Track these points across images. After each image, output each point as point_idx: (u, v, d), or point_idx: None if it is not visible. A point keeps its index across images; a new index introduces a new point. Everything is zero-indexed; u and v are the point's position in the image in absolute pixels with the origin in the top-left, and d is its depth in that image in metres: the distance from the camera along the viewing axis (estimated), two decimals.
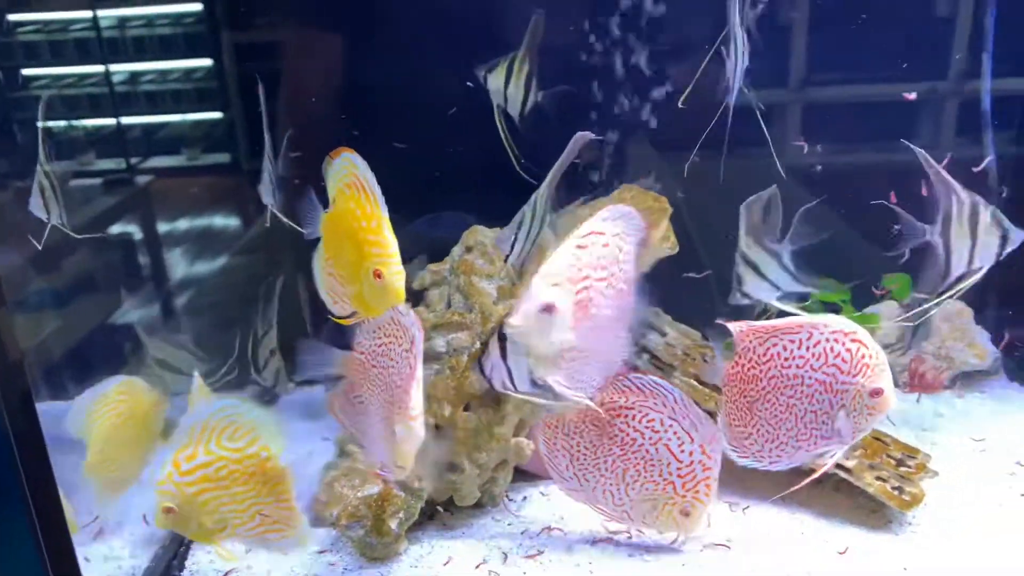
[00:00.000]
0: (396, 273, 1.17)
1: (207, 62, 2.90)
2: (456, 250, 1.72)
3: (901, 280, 1.98)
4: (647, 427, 1.45)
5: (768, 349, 1.41)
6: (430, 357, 1.59)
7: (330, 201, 1.26)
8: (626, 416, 1.45)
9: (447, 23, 2.11)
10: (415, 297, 1.73)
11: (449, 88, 2.08)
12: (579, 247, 1.27)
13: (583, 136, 1.52)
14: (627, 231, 1.32)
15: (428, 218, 2.14)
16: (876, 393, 1.36)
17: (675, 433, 1.44)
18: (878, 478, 1.61)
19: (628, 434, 1.46)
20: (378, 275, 1.16)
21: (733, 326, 1.45)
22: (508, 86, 1.80)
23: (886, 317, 1.96)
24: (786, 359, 1.40)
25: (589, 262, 1.27)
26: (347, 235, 1.20)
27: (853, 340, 1.37)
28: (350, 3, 2.26)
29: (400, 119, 2.15)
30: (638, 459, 1.46)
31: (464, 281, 1.64)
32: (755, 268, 1.62)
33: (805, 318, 1.43)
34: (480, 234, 1.72)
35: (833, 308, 1.99)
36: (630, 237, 1.33)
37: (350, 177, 1.22)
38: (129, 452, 1.64)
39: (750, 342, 1.43)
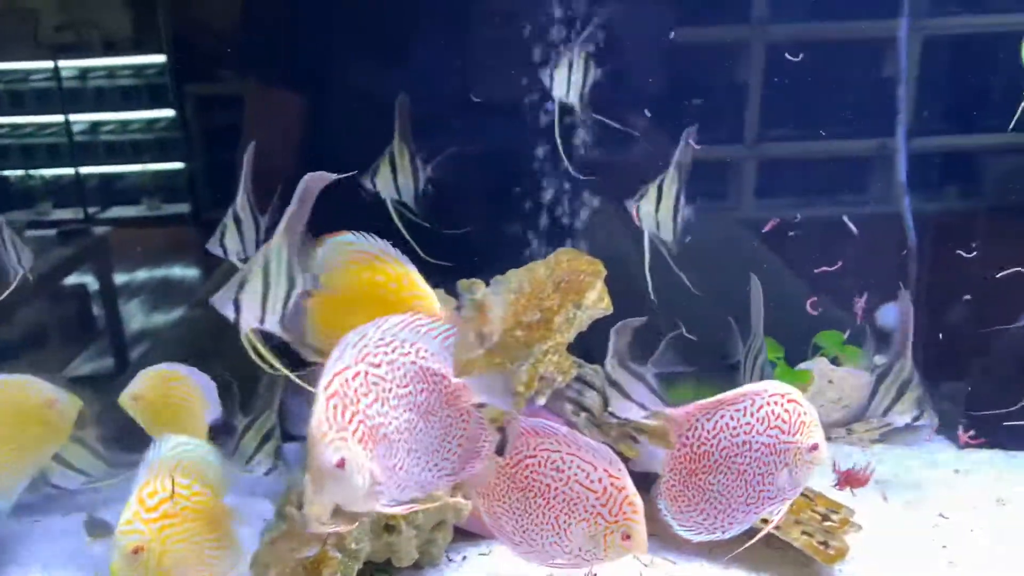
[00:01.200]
0: None
1: (169, 113, 2.94)
2: None
3: (833, 337, 2.06)
4: (552, 470, 1.46)
5: (716, 423, 1.49)
6: None
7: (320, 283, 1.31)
8: (532, 466, 1.46)
9: (405, 79, 2.19)
10: None
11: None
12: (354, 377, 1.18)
13: (317, 178, 1.39)
14: (419, 339, 1.26)
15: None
16: (813, 448, 1.46)
17: (578, 467, 1.45)
18: (804, 532, 1.67)
19: (541, 482, 1.47)
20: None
21: (675, 412, 1.51)
22: (398, 178, 1.87)
23: (818, 374, 2.04)
24: (734, 428, 1.48)
25: (374, 388, 1.20)
26: (375, 305, 1.27)
27: (790, 401, 1.46)
28: (310, 58, 2.31)
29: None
30: (560, 503, 1.47)
31: None
32: (620, 389, 1.69)
33: (744, 387, 1.51)
34: None
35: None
36: (428, 342, 1.27)
37: (356, 252, 1.28)
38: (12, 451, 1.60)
39: (696, 420, 1.50)
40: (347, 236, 1.34)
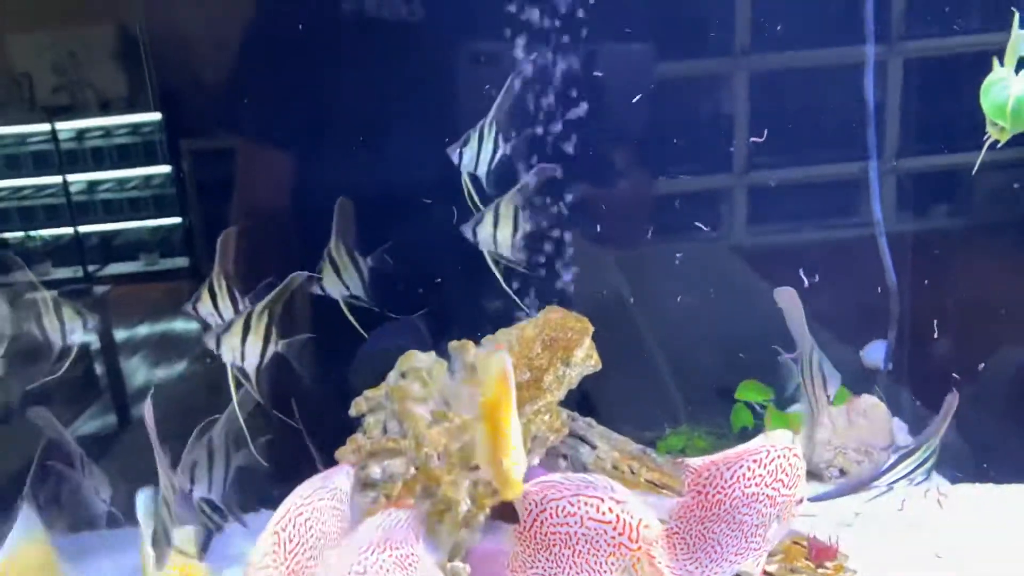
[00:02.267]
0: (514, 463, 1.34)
1: (165, 169, 2.99)
2: (391, 375, 1.79)
3: (754, 387, 2.09)
4: (566, 516, 1.44)
5: (734, 472, 1.46)
6: (367, 485, 1.65)
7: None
8: (547, 521, 1.45)
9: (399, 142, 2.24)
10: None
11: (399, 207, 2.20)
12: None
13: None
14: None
15: (379, 331, 2.21)
16: (800, 501, 1.48)
17: (586, 503, 1.43)
18: None
19: (561, 532, 1.45)
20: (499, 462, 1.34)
21: (694, 462, 1.48)
22: (342, 275, 1.93)
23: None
24: (749, 479, 1.46)
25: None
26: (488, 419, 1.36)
27: (795, 455, 1.46)
28: (301, 116, 2.36)
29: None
30: (584, 546, 1.45)
31: (399, 407, 1.72)
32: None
33: (758, 439, 1.48)
34: (415, 359, 1.80)
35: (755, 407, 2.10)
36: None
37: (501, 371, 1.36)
38: None
39: (718, 470, 1.47)
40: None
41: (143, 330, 2.99)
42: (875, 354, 2.11)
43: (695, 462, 1.48)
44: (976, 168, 1.72)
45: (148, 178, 3.09)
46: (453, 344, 1.82)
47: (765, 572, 1.68)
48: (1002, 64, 1.66)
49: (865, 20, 2.22)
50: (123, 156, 2.96)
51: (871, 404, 2.08)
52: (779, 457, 1.46)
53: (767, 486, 1.45)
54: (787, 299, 1.74)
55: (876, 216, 2.12)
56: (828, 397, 1.78)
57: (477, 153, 1.94)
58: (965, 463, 2.04)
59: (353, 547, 1.28)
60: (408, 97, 2.27)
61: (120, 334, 2.94)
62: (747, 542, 1.49)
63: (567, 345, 1.79)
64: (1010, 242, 2.21)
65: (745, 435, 2.15)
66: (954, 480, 2.10)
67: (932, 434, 1.84)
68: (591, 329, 1.84)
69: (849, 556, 1.76)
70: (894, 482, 1.86)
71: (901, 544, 1.93)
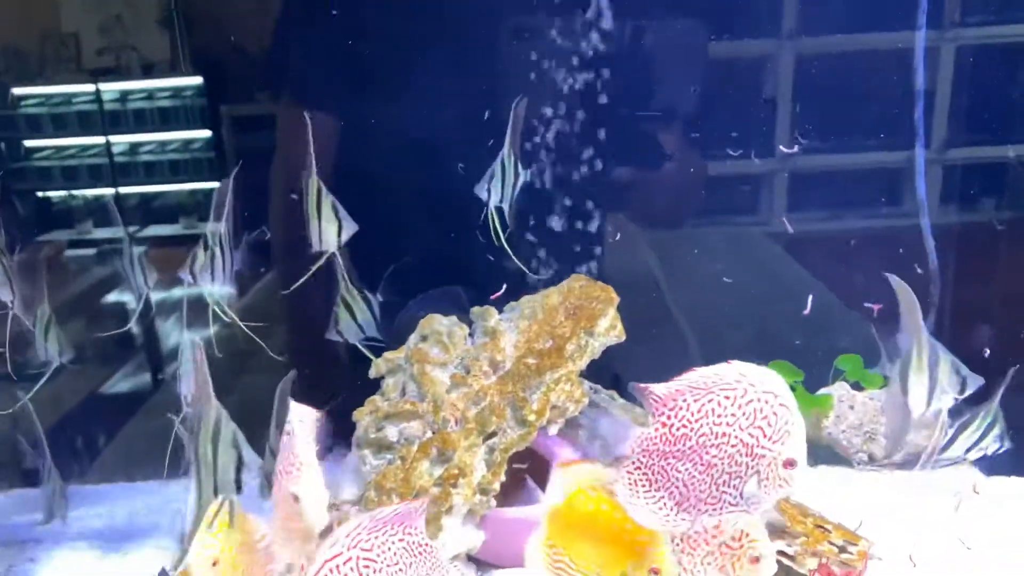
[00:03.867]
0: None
1: (206, 133, 3.02)
2: (412, 338, 1.78)
3: (853, 361, 2.03)
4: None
5: (703, 405, 1.35)
6: (382, 447, 1.64)
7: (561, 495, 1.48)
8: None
9: (447, 103, 2.21)
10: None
11: (441, 171, 2.18)
12: None
13: None
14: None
15: (421, 298, 2.20)
16: (790, 464, 1.35)
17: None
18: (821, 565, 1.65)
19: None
20: (655, 571, 1.40)
21: (659, 389, 1.38)
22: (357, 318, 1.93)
23: (839, 398, 2.01)
24: (719, 415, 1.35)
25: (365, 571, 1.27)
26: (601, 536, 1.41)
27: (781, 404, 1.34)
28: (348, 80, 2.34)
29: (392, 200, 2.24)
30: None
31: (417, 370, 1.71)
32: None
33: (735, 371, 1.36)
34: (436, 322, 1.79)
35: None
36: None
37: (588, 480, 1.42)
38: None
39: (684, 400, 1.36)
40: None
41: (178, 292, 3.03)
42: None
43: (660, 388, 1.37)
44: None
45: (188, 142, 3.12)
46: (475, 309, 1.81)
47: (782, 554, 1.64)
48: None
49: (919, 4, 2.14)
50: (164, 119, 2.99)
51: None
52: (757, 400, 1.33)
53: (741, 429, 1.33)
54: (903, 291, 1.64)
55: (921, 196, 2.05)
56: (955, 397, 1.69)
57: (502, 186, 1.94)
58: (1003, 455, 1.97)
59: (364, 525, 1.27)
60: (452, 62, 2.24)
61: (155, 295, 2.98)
62: (717, 490, 1.37)
63: (591, 315, 1.76)
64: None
65: None
66: (989, 472, 2.03)
67: (991, 404, 1.74)
68: (616, 299, 1.80)
69: (874, 543, 1.71)
70: (967, 451, 1.76)
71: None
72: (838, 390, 2.03)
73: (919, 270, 2.04)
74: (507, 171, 1.93)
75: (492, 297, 1.82)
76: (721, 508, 1.39)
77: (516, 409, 1.65)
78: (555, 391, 1.68)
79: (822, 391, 2.04)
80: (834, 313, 2.24)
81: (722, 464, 1.36)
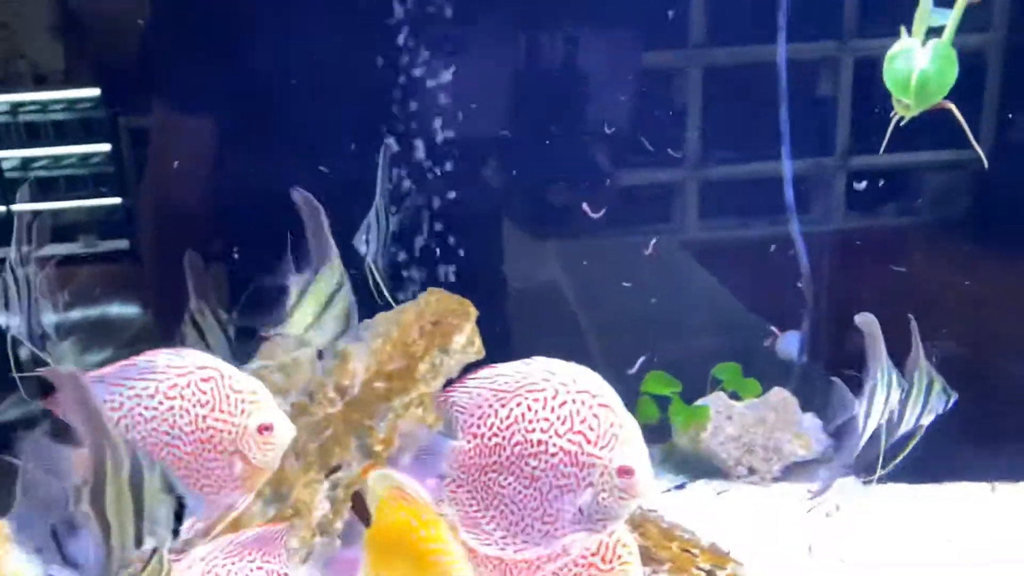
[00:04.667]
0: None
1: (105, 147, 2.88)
2: (252, 364, 1.69)
3: (731, 370, 1.97)
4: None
5: (511, 411, 1.21)
6: None
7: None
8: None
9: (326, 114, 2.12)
10: None
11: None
12: None
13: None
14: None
15: None
16: (625, 472, 1.18)
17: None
18: None
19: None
20: None
21: (460, 397, 1.24)
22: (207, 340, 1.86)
23: (716, 408, 1.95)
24: (530, 420, 1.20)
25: None
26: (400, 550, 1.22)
27: (601, 405, 1.18)
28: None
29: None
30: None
31: None
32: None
33: (540, 370, 1.21)
34: (279, 345, 1.69)
35: (664, 400, 1.99)
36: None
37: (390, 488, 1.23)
38: None
39: (490, 406, 1.23)
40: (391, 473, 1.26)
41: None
42: (789, 345, 1.99)
43: (461, 396, 1.23)
44: (883, 148, 1.60)
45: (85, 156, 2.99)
46: None
47: None
48: (910, 34, 1.52)
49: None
50: (59, 132, 2.86)
51: (781, 398, 1.96)
52: (572, 402, 1.18)
53: (558, 435, 1.18)
54: (870, 326, 1.60)
55: (788, 202, 1.99)
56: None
57: (377, 238, 1.92)
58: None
59: (222, 548, 1.18)
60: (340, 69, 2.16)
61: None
62: (551, 507, 1.22)
63: (446, 331, 1.68)
64: (927, 236, 2.10)
65: (648, 431, 2.04)
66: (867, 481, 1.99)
67: (915, 363, 1.70)
68: (474, 313, 1.72)
69: (744, 564, 1.65)
70: (918, 419, 1.71)
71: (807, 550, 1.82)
72: (715, 401, 1.96)
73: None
74: (380, 223, 1.91)
75: None
76: (563, 527, 1.23)
77: (361, 439, 1.56)
78: (406, 416, 1.60)
79: (699, 402, 1.97)
80: (737, 317, 2.19)
81: (547, 477, 1.21)
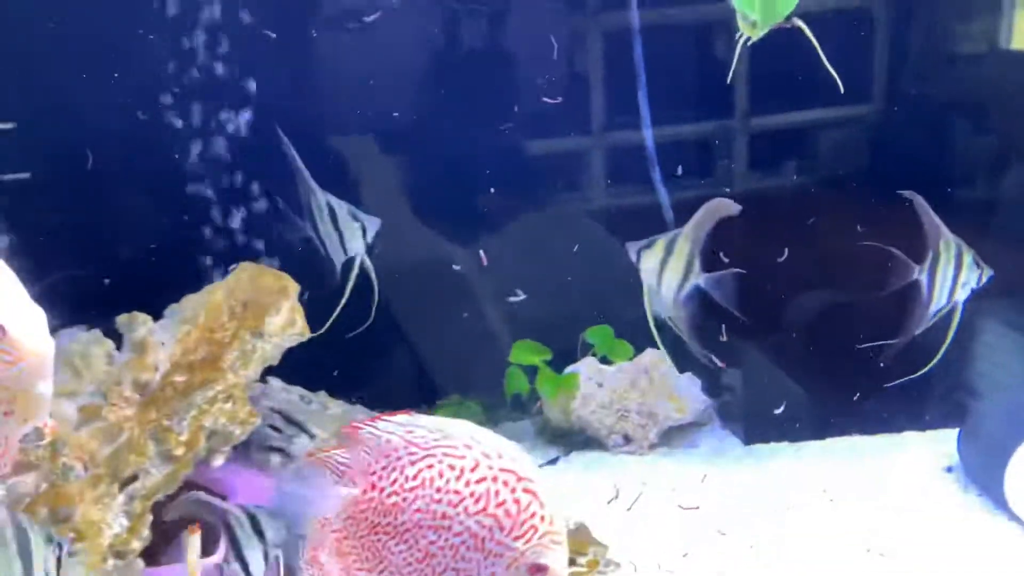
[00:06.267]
0: None
1: None
2: None
3: (603, 332, 1.81)
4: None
5: (420, 471, 1.05)
6: None
7: None
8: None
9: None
10: None
11: None
12: None
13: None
14: None
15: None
16: (538, 571, 1.01)
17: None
18: None
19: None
20: None
21: (374, 433, 1.06)
22: None
23: (587, 375, 1.78)
24: (439, 489, 1.04)
25: None
26: None
27: (525, 490, 1.00)
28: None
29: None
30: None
31: None
32: None
33: (466, 434, 1.04)
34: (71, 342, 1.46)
35: (532, 369, 1.82)
36: None
37: None
38: None
39: (399, 458, 1.06)
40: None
41: None
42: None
43: (373, 435, 1.05)
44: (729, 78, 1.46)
45: None
46: (121, 318, 1.48)
47: None
48: None
49: None
50: None
51: (655, 360, 1.80)
52: (493, 480, 1.00)
53: (468, 514, 1.01)
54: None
55: (650, 153, 1.82)
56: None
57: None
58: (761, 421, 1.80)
59: None
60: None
61: None
62: None
63: (259, 312, 1.46)
64: (801, 195, 1.94)
65: (519, 402, 1.87)
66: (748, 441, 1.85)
67: (937, 234, 1.68)
68: (293, 288, 1.51)
69: (609, 547, 1.48)
70: (950, 294, 1.69)
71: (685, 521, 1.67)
72: (585, 367, 1.79)
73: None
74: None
75: None
76: None
77: (159, 443, 1.35)
78: (210, 413, 1.39)
79: (568, 369, 1.80)
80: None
81: (444, 557, 1.04)
